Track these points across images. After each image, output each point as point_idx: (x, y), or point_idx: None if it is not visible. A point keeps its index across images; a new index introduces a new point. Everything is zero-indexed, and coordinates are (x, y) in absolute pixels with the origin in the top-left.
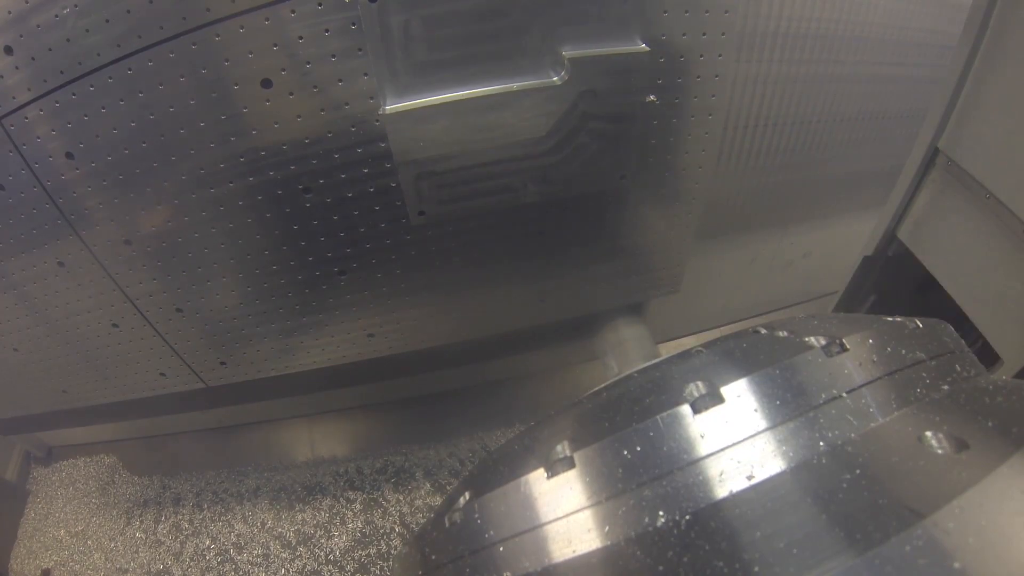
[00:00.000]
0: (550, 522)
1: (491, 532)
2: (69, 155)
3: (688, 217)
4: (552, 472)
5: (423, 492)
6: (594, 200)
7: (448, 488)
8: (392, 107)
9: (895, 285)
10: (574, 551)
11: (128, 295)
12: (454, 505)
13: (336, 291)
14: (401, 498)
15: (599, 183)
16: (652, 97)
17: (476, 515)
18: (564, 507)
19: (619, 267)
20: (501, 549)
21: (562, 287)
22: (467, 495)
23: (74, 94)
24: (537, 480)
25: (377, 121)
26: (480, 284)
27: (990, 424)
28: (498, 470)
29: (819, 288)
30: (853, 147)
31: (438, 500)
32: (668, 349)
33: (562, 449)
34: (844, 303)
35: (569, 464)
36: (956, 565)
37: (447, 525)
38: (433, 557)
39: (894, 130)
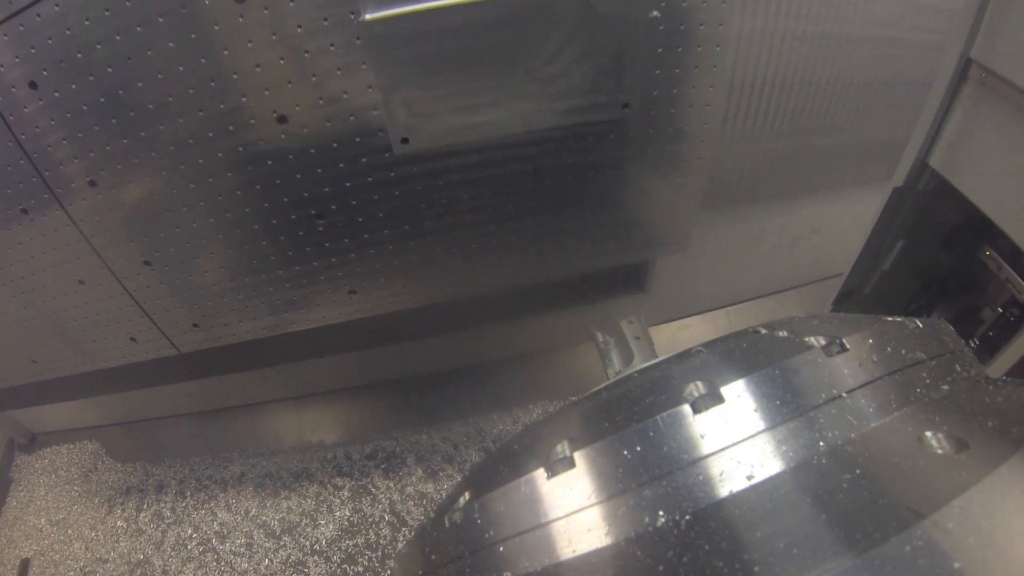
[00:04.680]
0: (550, 522)
1: (491, 532)
2: (32, 85)
3: (696, 163)
4: (552, 472)
5: (415, 479)
6: (597, 137)
7: (441, 474)
8: (373, 15)
9: (925, 225)
10: (574, 551)
11: (94, 245)
12: (454, 505)
13: (314, 238)
14: (391, 485)
15: (601, 112)
16: (655, 13)
17: (476, 515)
18: (564, 507)
19: (623, 216)
20: (501, 549)
21: (562, 239)
22: (467, 495)
23: (38, 15)
24: (537, 480)
25: (359, 39)
26: (470, 232)
27: (990, 424)
28: (498, 470)
29: (828, 268)
30: (864, 114)
31: (430, 487)
32: (673, 330)
33: (562, 449)
34: (872, 244)
35: (569, 464)
36: (956, 565)
37: (447, 525)
38: (433, 557)
39: (906, 97)
